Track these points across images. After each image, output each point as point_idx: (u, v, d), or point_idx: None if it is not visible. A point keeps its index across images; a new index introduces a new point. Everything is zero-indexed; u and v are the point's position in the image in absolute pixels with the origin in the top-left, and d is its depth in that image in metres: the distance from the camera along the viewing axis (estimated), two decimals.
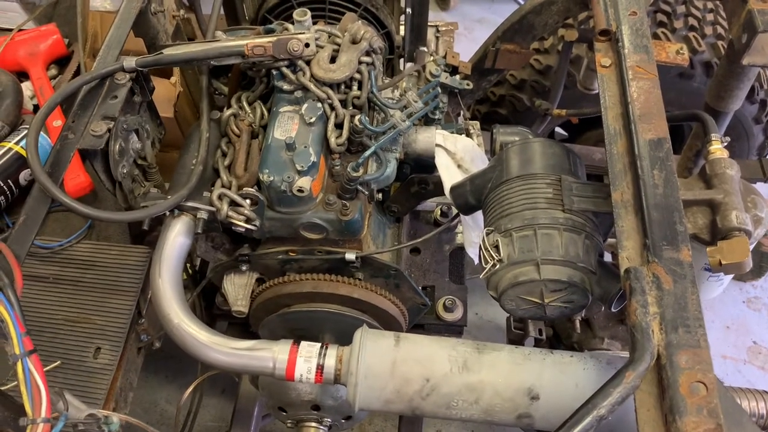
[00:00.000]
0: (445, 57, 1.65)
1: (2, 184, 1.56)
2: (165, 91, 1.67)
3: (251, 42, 1.27)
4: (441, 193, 1.60)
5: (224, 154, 1.37)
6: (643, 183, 1.03)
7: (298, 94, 1.34)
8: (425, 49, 2.00)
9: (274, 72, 1.34)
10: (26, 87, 1.78)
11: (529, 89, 1.98)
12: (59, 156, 1.17)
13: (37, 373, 0.97)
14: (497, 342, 1.21)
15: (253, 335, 1.53)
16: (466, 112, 1.58)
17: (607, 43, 1.26)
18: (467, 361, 1.12)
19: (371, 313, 1.45)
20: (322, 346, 1.18)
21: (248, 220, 1.28)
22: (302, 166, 1.24)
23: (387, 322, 1.48)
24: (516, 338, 1.68)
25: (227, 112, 1.38)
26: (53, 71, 1.86)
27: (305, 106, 1.32)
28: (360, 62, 1.35)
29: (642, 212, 1.02)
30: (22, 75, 1.82)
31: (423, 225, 1.87)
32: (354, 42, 1.37)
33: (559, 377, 1.11)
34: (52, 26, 1.86)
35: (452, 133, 1.48)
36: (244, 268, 1.45)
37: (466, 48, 2.08)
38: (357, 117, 1.31)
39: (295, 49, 1.28)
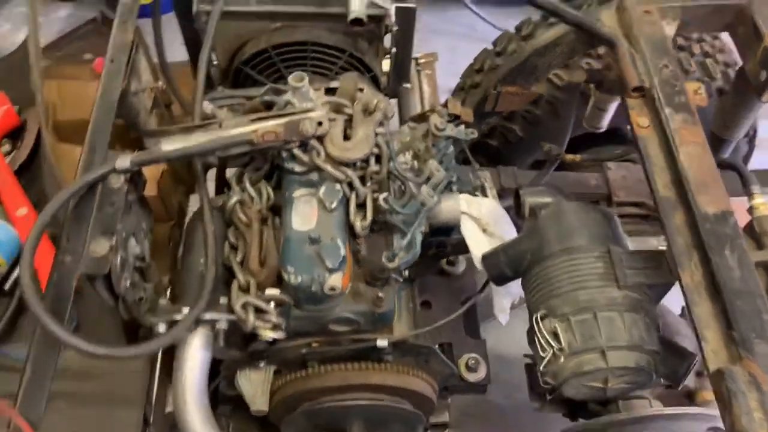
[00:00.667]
0: (445, 105, 1.56)
1: None
2: (147, 170, 1.50)
3: (261, 129, 1.13)
4: (458, 253, 1.52)
5: (234, 248, 1.23)
6: (716, 266, 0.97)
7: (313, 176, 1.22)
8: (409, 85, 1.91)
9: (284, 153, 1.22)
10: None
11: (520, 119, 1.91)
12: (60, 288, 1.01)
13: None
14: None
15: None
16: (476, 164, 1.49)
17: (640, 100, 1.19)
18: None
19: (404, 395, 1.36)
20: None
21: (275, 327, 1.15)
22: (333, 264, 1.12)
23: (419, 403, 1.39)
24: (543, 391, 1.62)
25: (233, 199, 1.25)
26: (6, 147, 1.65)
27: (323, 189, 1.20)
28: (376, 134, 1.24)
29: (719, 298, 0.96)
30: None
31: (429, 276, 1.78)
32: (367, 112, 1.25)
33: None
34: (1, 95, 1.66)
35: (469, 192, 1.39)
36: (261, 364, 1.32)
37: None
38: (381, 197, 1.20)
39: (308, 130, 1.16)
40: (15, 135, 1.68)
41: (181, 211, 1.65)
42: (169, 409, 1.47)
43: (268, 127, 1.14)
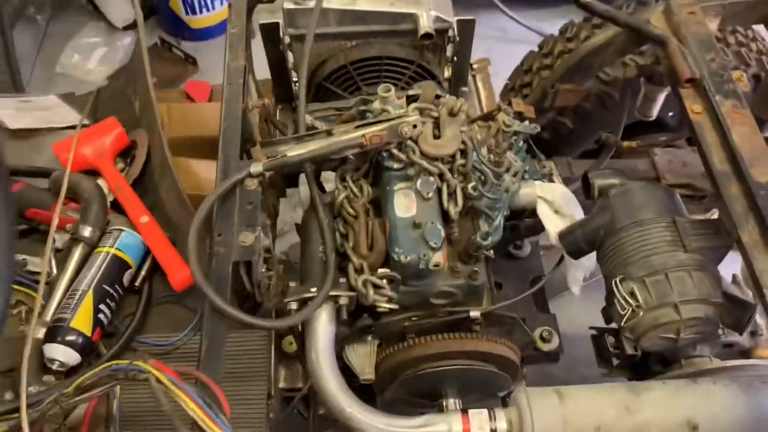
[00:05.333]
0: (510, 104, 1.74)
1: (111, 290, 1.58)
2: None
3: (369, 133, 1.33)
4: (530, 235, 1.71)
5: (345, 236, 1.43)
6: None
7: (410, 171, 1.41)
8: (467, 89, 2.10)
9: (384, 153, 1.41)
10: (101, 184, 1.79)
11: (570, 113, 2.09)
12: (219, 273, 1.21)
13: None
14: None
15: None
16: (542, 156, 1.67)
17: (692, 89, 1.37)
18: (628, 404, 1.22)
19: (493, 361, 1.54)
20: (489, 412, 1.26)
21: (389, 300, 1.35)
22: (436, 243, 1.32)
23: (507, 367, 1.57)
24: (610, 356, 1.79)
25: (341, 195, 1.45)
26: (120, 165, 1.87)
27: (419, 182, 1.40)
28: (461, 132, 1.44)
29: None
30: (90, 172, 1.84)
31: (498, 258, 1.96)
32: (451, 114, 1.45)
33: (711, 404, 1.22)
34: (113, 119, 1.88)
35: (539, 179, 1.57)
36: (369, 338, 1.52)
37: None
38: (470, 185, 1.39)
39: (407, 132, 1.36)
40: (125, 154, 1.90)
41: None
42: (282, 384, 1.68)
43: (374, 131, 1.34)
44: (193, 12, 3.35)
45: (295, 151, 1.33)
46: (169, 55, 3.35)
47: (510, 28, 3.52)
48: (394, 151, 1.40)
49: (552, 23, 3.16)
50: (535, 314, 1.84)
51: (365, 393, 1.63)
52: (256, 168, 1.31)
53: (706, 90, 1.34)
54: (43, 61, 3.41)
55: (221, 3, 3.45)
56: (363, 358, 1.54)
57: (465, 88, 2.09)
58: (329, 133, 1.40)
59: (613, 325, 1.70)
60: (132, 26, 3.46)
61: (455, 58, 1.94)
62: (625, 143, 1.81)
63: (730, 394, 1.24)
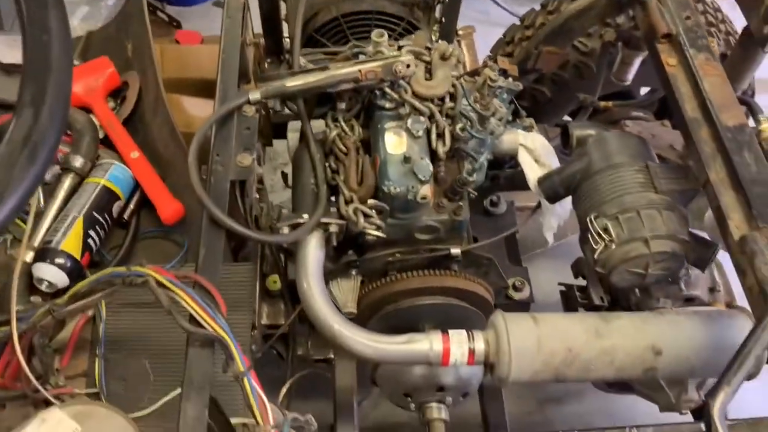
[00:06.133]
0: (495, 61, 1.82)
1: (101, 219, 1.62)
2: None
3: (364, 68, 1.39)
4: (509, 187, 1.79)
5: (336, 171, 1.49)
6: (737, 164, 1.24)
7: (402, 111, 1.48)
8: None
9: (377, 92, 1.48)
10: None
11: (548, 82, 2.17)
12: (217, 188, 1.26)
13: (258, 387, 1.09)
14: None
15: None
16: (523, 111, 1.75)
17: (668, 44, 1.46)
18: (598, 329, 1.30)
19: (469, 300, 1.61)
20: (468, 333, 1.33)
21: (378, 228, 1.41)
22: (424, 177, 1.38)
23: (482, 306, 1.64)
24: (577, 307, 1.88)
25: (333, 132, 1.50)
26: (111, 104, 1.89)
27: (410, 120, 1.46)
28: (452, 76, 1.51)
29: (740, 188, 1.23)
30: (82, 110, 1.86)
31: (474, 214, 2.04)
32: (443, 58, 1.52)
33: (675, 333, 1.32)
34: (105, 59, 1.90)
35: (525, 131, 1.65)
36: (353, 272, 1.58)
37: None
38: (458, 126, 1.46)
39: (401, 70, 1.42)
40: (115, 94, 1.93)
41: (294, 162, 1.88)
42: (264, 321, 1.73)
43: (370, 67, 1.40)
44: None
45: (293, 82, 1.38)
46: (153, 18, 3.33)
47: (492, 12, 3.61)
48: (387, 89, 1.47)
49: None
50: (509, 266, 1.92)
51: None
52: (254, 95, 1.36)
53: (681, 44, 1.43)
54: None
55: None
56: (346, 292, 1.60)
57: None
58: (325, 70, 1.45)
59: (582, 282, 1.81)
60: None
61: (443, 20, 2.01)
62: (602, 103, 1.91)
63: (692, 323, 1.34)
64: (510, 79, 1.74)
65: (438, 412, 1.58)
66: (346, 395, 1.83)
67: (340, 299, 1.60)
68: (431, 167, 1.40)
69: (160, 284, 1.13)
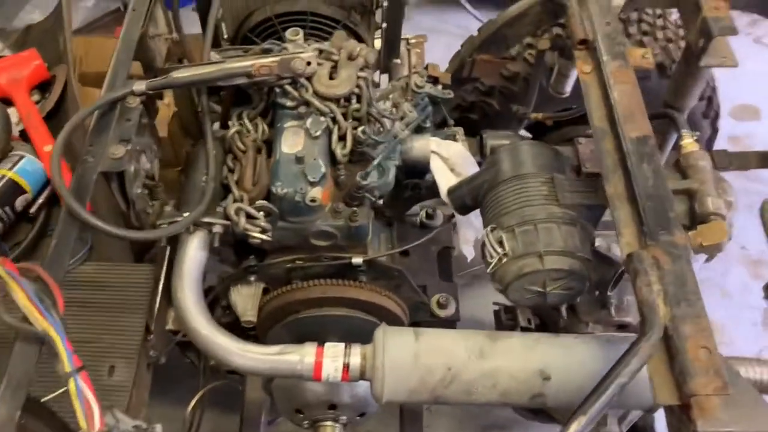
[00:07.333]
0: (426, 68, 1.75)
1: (1, 211, 1.56)
2: (159, 114, 1.71)
3: (258, 63, 1.33)
4: (432, 196, 1.70)
5: (231, 170, 1.42)
6: (634, 176, 1.15)
7: (302, 109, 1.41)
8: (399, 61, 2.11)
9: (277, 89, 1.41)
10: (11, 113, 1.78)
11: (498, 95, 2.10)
12: (82, 180, 1.20)
13: (87, 389, 1.01)
14: None
15: None
16: (450, 120, 1.67)
17: (585, 51, 1.38)
18: (483, 349, 1.21)
19: (376, 313, 1.53)
20: (346, 347, 1.25)
21: (263, 231, 1.34)
22: (314, 178, 1.31)
23: (391, 321, 1.55)
24: (507, 329, 1.78)
25: (232, 130, 1.44)
26: (36, 96, 1.85)
27: (309, 120, 1.39)
28: (358, 77, 1.44)
29: (636, 203, 1.13)
30: (5, 101, 1.82)
31: (409, 228, 1.95)
32: (350, 58, 1.45)
33: (567, 358, 1.22)
34: (33, 51, 1.86)
35: (443, 139, 1.58)
36: (252, 278, 1.50)
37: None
38: (360, 129, 1.39)
39: (299, 67, 1.36)
40: (44, 87, 1.89)
41: (188, 159, 1.84)
42: (169, 326, 1.66)
43: (264, 62, 1.34)
44: None
45: (182, 74, 1.32)
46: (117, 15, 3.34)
47: (472, 27, 3.55)
48: (288, 87, 1.40)
49: None
50: (437, 282, 1.83)
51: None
52: (138, 86, 1.30)
53: (596, 51, 1.35)
54: (2, 15, 3.39)
55: None
56: (246, 299, 1.53)
57: (397, 60, 2.10)
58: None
59: None
60: None
61: (385, 25, 1.95)
62: (533, 115, 1.82)
63: (588, 348, 1.23)
64: (439, 87, 1.68)
65: (332, 431, 1.49)
66: (253, 409, 1.75)
67: (240, 306, 1.53)
68: (323, 168, 1.33)
69: None
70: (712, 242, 1.19)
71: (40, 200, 1.66)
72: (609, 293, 1.33)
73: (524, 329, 1.74)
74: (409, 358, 1.19)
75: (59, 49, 1.96)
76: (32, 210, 1.64)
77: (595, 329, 1.72)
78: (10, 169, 1.61)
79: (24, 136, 1.76)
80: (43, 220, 1.65)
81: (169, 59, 1.67)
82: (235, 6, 1.87)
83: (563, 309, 1.68)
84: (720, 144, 2.35)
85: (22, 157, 1.65)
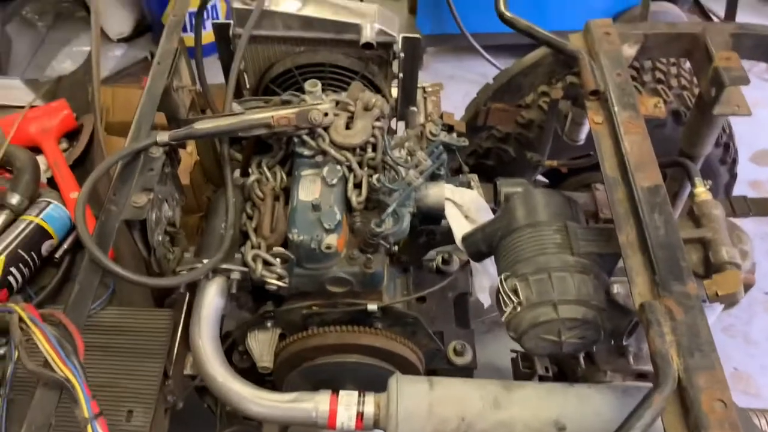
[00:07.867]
0: (441, 117, 1.79)
1: (26, 257, 1.61)
2: (182, 162, 1.76)
3: (277, 114, 1.38)
4: (447, 242, 1.72)
5: (250, 218, 1.46)
6: (645, 226, 1.16)
7: (319, 158, 1.45)
8: (415, 109, 2.15)
9: (295, 139, 1.45)
10: (40, 161, 1.84)
11: (513, 141, 2.13)
12: (104, 228, 1.24)
13: None
14: None
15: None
16: (465, 167, 1.70)
17: (596, 102, 1.40)
18: (497, 398, 1.21)
19: (391, 360, 1.53)
20: (359, 395, 1.25)
21: (280, 278, 1.36)
22: (330, 225, 1.34)
23: (406, 368, 1.55)
24: (524, 377, 1.77)
25: (251, 178, 1.48)
26: (64, 144, 1.93)
27: (326, 169, 1.43)
28: (373, 127, 1.47)
29: (648, 252, 1.14)
30: (34, 149, 1.89)
31: (426, 273, 1.96)
32: (366, 109, 1.49)
33: (582, 407, 1.21)
34: (62, 101, 1.94)
35: (457, 186, 1.60)
36: (269, 324, 1.52)
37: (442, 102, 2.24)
38: (375, 177, 1.42)
39: (316, 118, 1.40)
40: (72, 136, 1.96)
41: (209, 206, 1.88)
42: (187, 371, 1.67)
43: (283, 113, 1.38)
44: (184, 30, 3.48)
45: (204, 126, 1.37)
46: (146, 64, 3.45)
47: (490, 74, 3.61)
48: (306, 137, 1.44)
49: None
50: (453, 329, 1.83)
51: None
52: (161, 137, 1.35)
53: (608, 102, 1.37)
54: (37, 65, 3.53)
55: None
56: (262, 344, 1.54)
57: (414, 108, 2.14)
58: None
59: None
60: (125, 40, 3.59)
61: (401, 75, 1.99)
62: (547, 162, 1.84)
63: (603, 398, 1.22)
64: (454, 135, 1.71)
65: None
66: None
67: (256, 352, 1.55)
68: (339, 215, 1.35)
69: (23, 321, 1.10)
70: (727, 291, 1.18)
71: (65, 245, 1.71)
72: (625, 342, 1.32)
73: (542, 378, 1.73)
74: (422, 407, 1.19)
75: (88, 100, 2.04)
76: (57, 255, 1.69)
77: (614, 378, 1.70)
78: (38, 215, 1.67)
79: (51, 183, 1.83)
80: (67, 265, 1.70)
81: (193, 109, 1.73)
82: (257, 57, 1.93)
83: (581, 357, 1.67)
84: (741, 189, 2.34)
85: (48, 204, 1.70)
